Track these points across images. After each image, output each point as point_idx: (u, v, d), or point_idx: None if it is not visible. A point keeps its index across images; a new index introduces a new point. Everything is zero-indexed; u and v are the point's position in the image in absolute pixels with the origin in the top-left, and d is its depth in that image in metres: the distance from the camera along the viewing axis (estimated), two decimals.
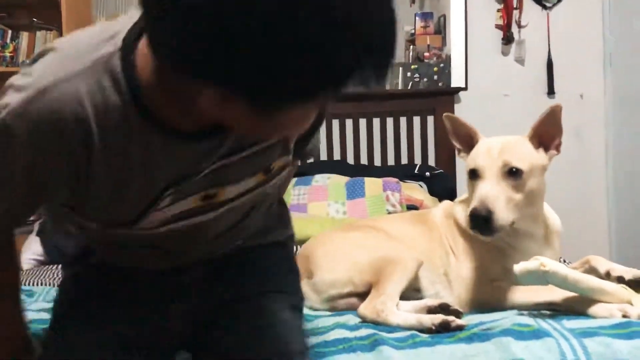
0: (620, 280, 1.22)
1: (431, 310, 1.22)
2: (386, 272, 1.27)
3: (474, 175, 1.33)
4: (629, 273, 1.22)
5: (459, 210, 1.43)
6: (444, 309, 1.20)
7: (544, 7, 3.00)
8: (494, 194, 1.25)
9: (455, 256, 1.40)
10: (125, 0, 3.00)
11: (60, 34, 2.67)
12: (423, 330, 1.10)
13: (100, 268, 0.97)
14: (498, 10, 3.00)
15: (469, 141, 1.42)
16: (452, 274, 1.38)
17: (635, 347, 0.98)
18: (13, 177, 0.74)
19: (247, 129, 0.71)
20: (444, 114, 1.49)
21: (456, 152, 1.46)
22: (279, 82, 0.60)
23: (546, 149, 1.36)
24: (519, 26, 3.00)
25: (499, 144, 1.34)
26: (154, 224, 0.81)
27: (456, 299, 1.34)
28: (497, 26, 3.02)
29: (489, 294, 1.28)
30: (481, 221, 1.22)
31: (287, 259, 1.07)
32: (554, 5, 3.00)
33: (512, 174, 1.28)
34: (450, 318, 1.08)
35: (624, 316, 1.10)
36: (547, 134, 1.35)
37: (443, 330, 1.06)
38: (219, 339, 0.93)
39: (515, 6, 2.98)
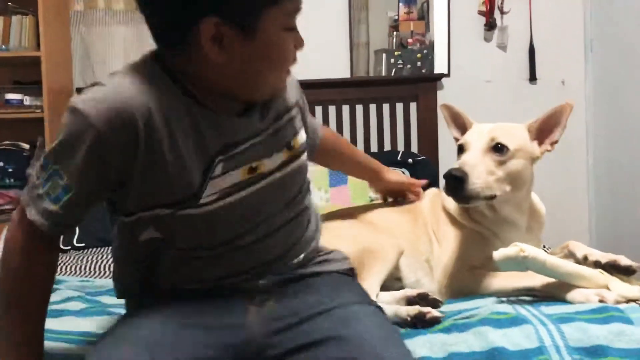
0: (597, 264, 1.23)
1: (410, 301, 1.21)
2: (366, 263, 1.26)
3: (460, 150, 1.33)
4: (605, 257, 1.23)
5: (447, 196, 1.43)
6: (422, 298, 1.20)
7: None
8: (474, 161, 1.26)
9: (438, 243, 1.40)
10: None
11: (36, 19, 2.61)
12: (400, 322, 1.10)
13: (165, 296, 0.99)
14: None
15: (465, 130, 1.41)
16: (433, 260, 1.38)
17: (611, 331, 1.00)
18: (80, 160, 0.88)
19: (243, 60, 0.92)
20: (441, 104, 1.47)
21: (455, 141, 1.43)
22: None
23: (540, 144, 1.35)
24: (502, 12, 3.00)
25: (492, 125, 1.35)
26: (214, 196, 0.93)
27: (436, 285, 1.34)
28: (480, 12, 3.01)
29: (468, 280, 1.28)
30: (453, 182, 1.22)
31: (357, 285, 1.11)
32: None
33: (498, 149, 1.28)
34: (426, 309, 1.07)
35: (601, 301, 1.11)
36: (547, 128, 1.35)
37: (418, 322, 1.06)
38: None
39: None
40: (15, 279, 0.93)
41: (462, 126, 1.44)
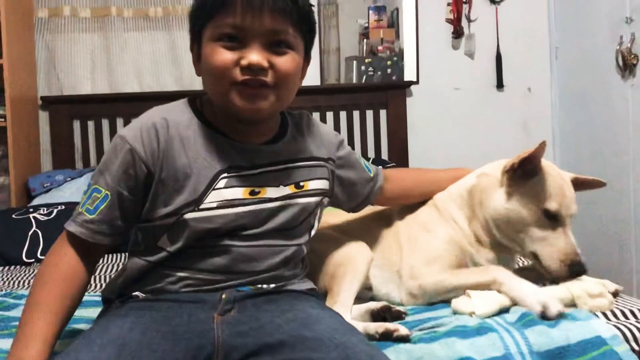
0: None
1: (374, 313, 1.21)
2: (337, 275, 1.24)
3: (554, 217, 1.25)
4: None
5: (455, 209, 1.38)
6: (386, 311, 1.19)
7: (493, 1, 3.05)
8: (575, 243, 1.24)
9: (408, 246, 1.36)
10: None
11: None
12: (369, 339, 1.09)
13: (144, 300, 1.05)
14: (448, 4, 3.04)
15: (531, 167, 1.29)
16: (402, 266, 1.35)
17: (567, 329, 1.03)
18: (115, 169, 1.03)
19: (202, 74, 1.06)
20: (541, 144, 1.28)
21: (511, 170, 1.30)
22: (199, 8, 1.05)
23: None
24: (469, 20, 3.05)
25: (568, 186, 1.29)
26: (214, 204, 1.03)
27: (403, 290, 1.32)
28: (448, 20, 3.05)
29: (433, 280, 1.27)
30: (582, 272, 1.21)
31: (315, 299, 1.13)
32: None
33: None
34: (393, 327, 1.06)
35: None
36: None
37: (386, 339, 1.05)
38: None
39: (464, 0, 3.02)
40: (44, 276, 1.00)
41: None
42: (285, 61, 1.02)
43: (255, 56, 0.98)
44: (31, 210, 2.28)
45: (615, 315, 1.10)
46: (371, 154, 2.98)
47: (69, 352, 0.89)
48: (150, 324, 0.95)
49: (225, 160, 1.06)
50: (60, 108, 2.88)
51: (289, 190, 1.10)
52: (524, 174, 1.27)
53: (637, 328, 1.02)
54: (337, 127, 2.97)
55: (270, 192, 1.08)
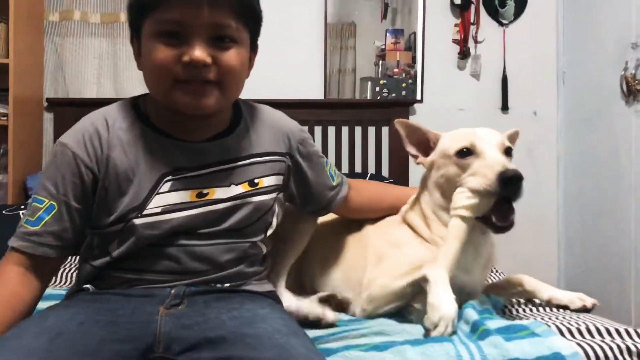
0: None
1: (321, 300, 1.20)
2: (277, 251, 1.26)
3: (466, 152, 1.23)
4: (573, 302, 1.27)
5: (414, 217, 1.36)
6: (330, 297, 1.19)
7: (501, 24, 3.04)
8: (509, 162, 1.19)
9: (376, 261, 1.32)
10: None
11: (7, 27, 2.59)
12: (299, 319, 1.06)
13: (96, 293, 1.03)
14: (455, 25, 3.03)
15: (425, 146, 1.35)
16: (363, 281, 1.30)
17: (523, 344, 0.99)
18: (60, 179, 1.00)
19: (142, 70, 1.03)
20: (395, 120, 1.37)
21: (412, 159, 1.38)
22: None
23: None
24: (476, 41, 3.03)
25: (482, 129, 1.29)
26: (158, 209, 1.00)
27: (359, 305, 1.27)
28: (454, 41, 3.04)
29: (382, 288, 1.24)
30: (517, 182, 1.14)
31: (272, 301, 1.09)
32: (511, 22, 3.04)
33: (508, 153, 1.24)
34: (322, 314, 1.04)
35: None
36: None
37: (315, 326, 1.03)
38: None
39: (472, 22, 3.01)
40: None
41: (422, 141, 1.36)
42: (230, 56, 0.99)
43: (197, 52, 0.95)
44: (22, 207, 2.29)
45: (580, 333, 1.06)
46: (372, 169, 2.96)
47: (1, 340, 0.86)
48: (92, 314, 0.93)
49: (169, 162, 1.03)
50: (64, 110, 2.91)
51: (241, 189, 1.07)
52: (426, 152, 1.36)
53: (600, 346, 0.98)
54: (338, 142, 2.96)
55: (220, 192, 1.04)
